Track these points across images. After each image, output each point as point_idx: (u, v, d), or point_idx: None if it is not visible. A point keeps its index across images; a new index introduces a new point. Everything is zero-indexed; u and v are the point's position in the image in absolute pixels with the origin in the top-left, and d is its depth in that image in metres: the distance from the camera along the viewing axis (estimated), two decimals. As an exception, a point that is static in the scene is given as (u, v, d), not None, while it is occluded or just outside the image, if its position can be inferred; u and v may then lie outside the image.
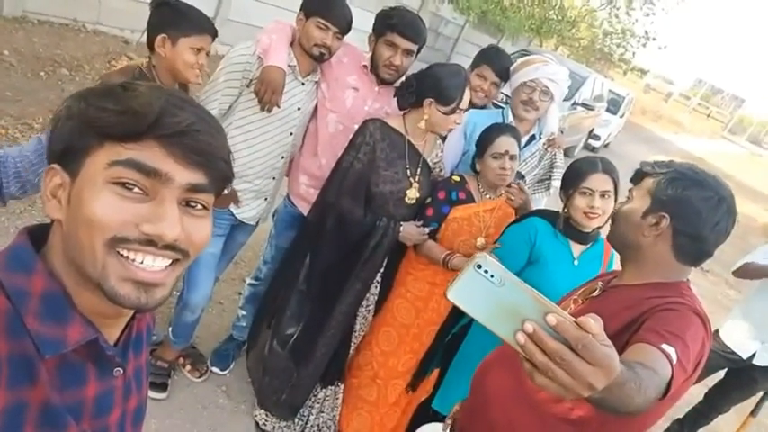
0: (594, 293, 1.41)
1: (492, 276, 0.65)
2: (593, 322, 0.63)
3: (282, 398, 2.35)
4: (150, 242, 0.64)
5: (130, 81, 0.69)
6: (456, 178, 2.26)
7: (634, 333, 1.15)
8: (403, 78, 2.19)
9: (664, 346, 1.05)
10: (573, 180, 1.95)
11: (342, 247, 2.17)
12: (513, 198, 2.20)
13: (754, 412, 3.28)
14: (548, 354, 0.62)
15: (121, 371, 0.76)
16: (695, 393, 3.50)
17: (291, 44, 2.15)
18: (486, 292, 0.65)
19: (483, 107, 2.69)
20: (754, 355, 3.11)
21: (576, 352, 0.62)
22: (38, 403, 0.64)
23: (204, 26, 1.84)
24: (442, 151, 2.38)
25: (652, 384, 0.95)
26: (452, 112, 2.07)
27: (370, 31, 2.22)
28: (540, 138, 2.58)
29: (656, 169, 1.31)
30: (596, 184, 1.89)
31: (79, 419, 0.70)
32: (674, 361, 1.04)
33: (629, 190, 1.38)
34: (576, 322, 0.63)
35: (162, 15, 1.80)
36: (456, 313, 2.24)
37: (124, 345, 0.78)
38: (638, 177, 1.37)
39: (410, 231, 2.17)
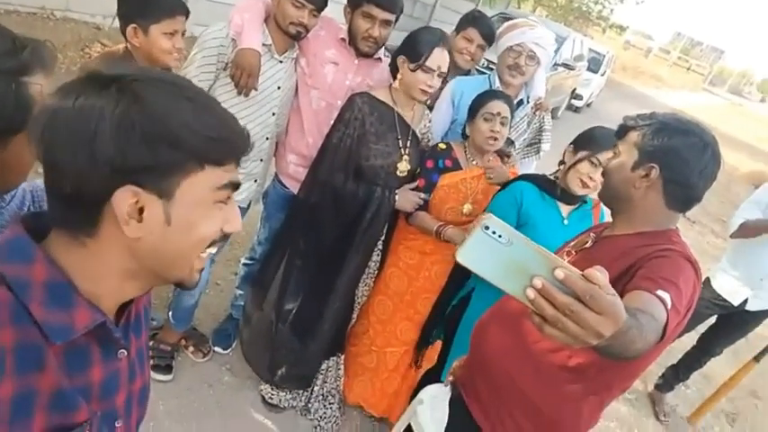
0: (587, 245, 1.44)
1: (500, 237, 0.67)
2: (599, 274, 0.65)
3: (292, 371, 2.38)
4: (225, 237, 0.75)
5: (205, 95, 0.71)
6: (442, 146, 2.24)
7: (628, 281, 1.18)
8: (382, 49, 2.14)
9: (659, 292, 1.09)
10: (586, 145, 1.94)
11: (339, 221, 2.16)
12: (491, 177, 2.18)
13: (758, 358, 3.37)
14: (557, 306, 0.65)
15: (126, 352, 0.77)
16: (687, 341, 3.59)
17: (266, 20, 2.09)
18: (494, 252, 0.67)
19: (467, 72, 2.68)
20: (745, 301, 3.19)
21: (584, 303, 0.65)
22: (48, 389, 0.66)
23: (174, 7, 1.76)
24: (430, 121, 2.36)
25: (651, 329, 0.99)
26: (419, 68, 2.01)
27: (345, 2, 2.15)
28: (528, 102, 2.57)
29: (639, 122, 1.33)
30: (605, 158, 1.89)
31: (88, 402, 0.72)
32: (669, 306, 1.08)
33: (614, 145, 1.40)
34: (582, 275, 0.65)
35: (129, 4, 1.74)
36: (452, 284, 2.25)
37: (125, 327, 0.79)
38: (622, 132, 1.38)
39: (406, 197, 2.16)
